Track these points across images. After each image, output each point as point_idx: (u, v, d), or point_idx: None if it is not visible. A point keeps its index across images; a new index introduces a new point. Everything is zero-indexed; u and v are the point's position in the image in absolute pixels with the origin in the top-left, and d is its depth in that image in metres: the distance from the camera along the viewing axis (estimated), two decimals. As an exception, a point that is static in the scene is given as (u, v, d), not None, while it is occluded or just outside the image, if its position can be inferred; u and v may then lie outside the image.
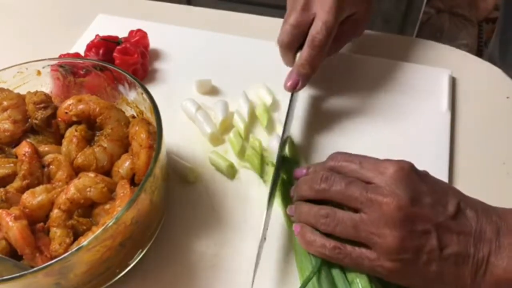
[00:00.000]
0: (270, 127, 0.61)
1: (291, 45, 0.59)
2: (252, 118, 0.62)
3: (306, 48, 0.57)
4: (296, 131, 0.61)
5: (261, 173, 0.56)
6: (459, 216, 0.41)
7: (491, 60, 0.70)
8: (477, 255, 0.40)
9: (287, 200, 0.52)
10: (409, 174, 0.43)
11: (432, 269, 0.40)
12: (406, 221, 0.40)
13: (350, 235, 0.42)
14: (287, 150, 0.57)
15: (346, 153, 0.47)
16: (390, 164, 0.43)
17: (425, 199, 0.41)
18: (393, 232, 0.40)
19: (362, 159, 0.45)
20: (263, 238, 0.48)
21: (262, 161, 0.57)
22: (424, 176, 0.44)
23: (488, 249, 0.40)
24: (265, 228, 0.48)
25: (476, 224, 0.41)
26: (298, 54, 0.59)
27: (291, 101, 0.58)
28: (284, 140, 0.56)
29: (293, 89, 0.58)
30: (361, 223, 0.42)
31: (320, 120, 0.62)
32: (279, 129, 0.60)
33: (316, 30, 0.56)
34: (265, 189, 0.55)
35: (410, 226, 0.40)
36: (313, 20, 0.57)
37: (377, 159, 0.45)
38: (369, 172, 0.44)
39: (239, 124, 0.60)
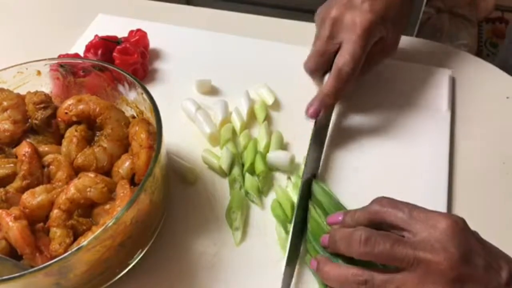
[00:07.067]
0: (268, 124, 0.61)
1: (316, 71, 0.59)
2: (251, 117, 0.62)
3: (331, 79, 0.55)
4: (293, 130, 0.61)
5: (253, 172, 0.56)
6: None
7: (501, 65, 0.68)
8: None
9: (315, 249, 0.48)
10: (463, 230, 0.40)
11: None
12: (456, 281, 0.38)
13: None
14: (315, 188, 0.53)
15: (392, 199, 0.43)
16: (442, 218, 0.40)
17: (477, 260, 0.38)
18: None
19: (411, 208, 0.42)
20: None
21: (264, 161, 0.56)
22: (476, 235, 0.41)
23: None
24: None
25: None
26: (326, 77, 0.58)
27: (314, 130, 0.56)
28: (308, 178, 0.53)
29: (315, 117, 0.56)
30: (405, 285, 0.39)
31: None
32: (276, 128, 0.60)
33: (343, 62, 0.54)
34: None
35: (459, 286, 0.38)
36: (339, 48, 0.55)
37: (426, 209, 0.42)
38: (418, 224, 0.40)
39: (236, 121, 0.60)
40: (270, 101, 0.62)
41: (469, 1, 1.67)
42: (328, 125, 0.59)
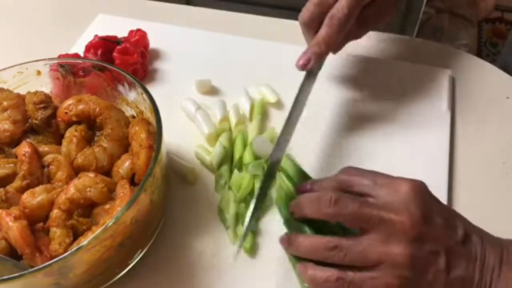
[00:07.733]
0: (263, 122, 0.61)
1: (310, 23, 0.57)
2: (251, 116, 0.62)
3: (324, 26, 0.55)
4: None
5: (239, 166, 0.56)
6: (467, 241, 0.41)
7: (503, 67, 0.68)
8: (480, 282, 0.40)
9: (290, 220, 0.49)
10: (423, 192, 0.42)
11: None
12: (418, 239, 0.40)
13: (359, 261, 0.41)
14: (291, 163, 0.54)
15: (359, 168, 0.46)
16: (404, 182, 0.43)
17: (436, 219, 0.41)
18: (402, 249, 0.40)
19: (375, 176, 0.44)
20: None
21: (252, 153, 0.56)
22: (435, 198, 0.44)
23: (490, 276, 0.40)
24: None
25: (481, 250, 0.41)
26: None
27: (301, 84, 0.56)
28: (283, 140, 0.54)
29: (304, 67, 0.56)
30: (370, 246, 0.41)
31: (317, 117, 0.62)
32: (276, 129, 0.60)
33: (337, 8, 0.54)
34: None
35: (420, 244, 0.40)
36: (336, 1, 0.55)
37: (390, 175, 0.44)
38: (382, 189, 0.43)
39: (232, 118, 0.60)
40: (273, 99, 0.62)
41: (469, 1, 1.67)
42: (314, 79, 0.58)
